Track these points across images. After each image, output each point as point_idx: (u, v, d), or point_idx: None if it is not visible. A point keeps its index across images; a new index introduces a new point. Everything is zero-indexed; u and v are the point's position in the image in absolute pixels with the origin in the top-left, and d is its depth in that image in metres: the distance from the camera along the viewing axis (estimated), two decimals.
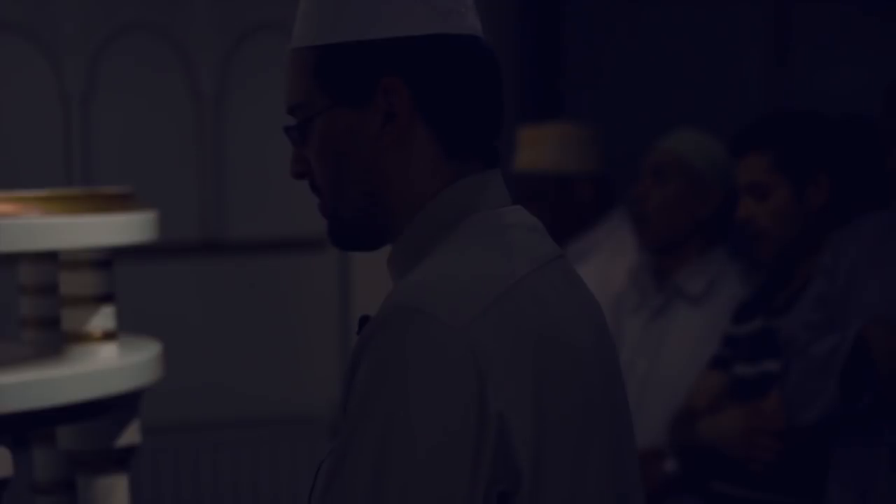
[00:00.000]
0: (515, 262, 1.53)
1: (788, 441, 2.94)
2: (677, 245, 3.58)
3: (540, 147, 3.98)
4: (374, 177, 1.59)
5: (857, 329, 2.65)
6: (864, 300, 2.71)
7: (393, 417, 1.40)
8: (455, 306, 1.44)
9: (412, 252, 1.56)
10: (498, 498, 1.43)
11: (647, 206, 3.59)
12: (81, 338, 2.75)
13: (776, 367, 2.92)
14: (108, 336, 2.77)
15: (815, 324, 2.78)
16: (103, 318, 2.77)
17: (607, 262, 3.86)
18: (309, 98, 1.60)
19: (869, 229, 2.78)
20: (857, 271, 2.74)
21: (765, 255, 3.09)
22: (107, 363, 2.72)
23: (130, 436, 2.81)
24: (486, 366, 1.42)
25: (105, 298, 2.77)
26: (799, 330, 2.80)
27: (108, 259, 2.79)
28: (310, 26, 1.60)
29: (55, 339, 2.83)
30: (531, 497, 1.44)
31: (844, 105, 3.35)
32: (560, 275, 1.58)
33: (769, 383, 2.99)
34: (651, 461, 3.35)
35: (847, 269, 2.75)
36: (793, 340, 2.80)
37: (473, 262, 1.51)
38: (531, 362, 1.45)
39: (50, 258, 2.86)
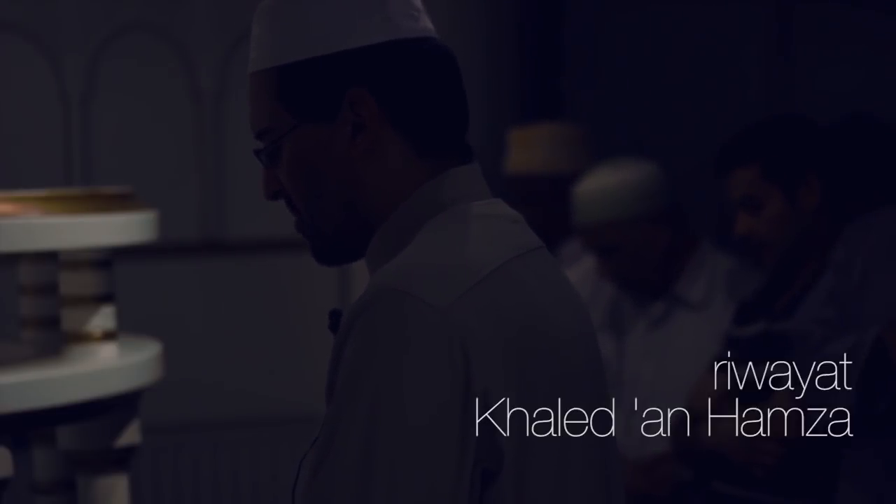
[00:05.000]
0: (496, 248, 1.54)
1: (801, 443, 2.92)
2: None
3: (531, 148, 3.95)
4: (350, 188, 1.59)
5: (876, 332, 2.64)
6: (880, 299, 2.70)
7: (382, 396, 1.42)
8: (437, 288, 1.45)
9: (390, 244, 1.57)
10: (482, 476, 1.44)
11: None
12: (81, 338, 2.75)
13: (778, 370, 2.91)
14: (108, 336, 2.77)
15: (829, 320, 2.76)
16: (103, 318, 2.77)
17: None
18: (275, 120, 1.62)
19: (883, 225, 2.77)
20: (873, 268, 2.72)
21: (769, 262, 3.10)
22: (107, 363, 2.72)
23: (130, 436, 2.81)
24: (471, 345, 1.43)
25: (105, 298, 2.77)
26: (812, 326, 2.78)
27: (108, 259, 2.79)
28: (266, 48, 1.62)
29: (55, 339, 2.83)
30: (516, 478, 1.46)
31: (845, 104, 3.35)
32: (542, 263, 1.59)
33: (771, 387, 2.97)
34: (662, 466, 3.34)
35: (861, 264, 2.73)
36: (807, 336, 2.78)
37: (454, 247, 1.52)
38: (513, 344, 1.47)
39: (50, 258, 2.86)
